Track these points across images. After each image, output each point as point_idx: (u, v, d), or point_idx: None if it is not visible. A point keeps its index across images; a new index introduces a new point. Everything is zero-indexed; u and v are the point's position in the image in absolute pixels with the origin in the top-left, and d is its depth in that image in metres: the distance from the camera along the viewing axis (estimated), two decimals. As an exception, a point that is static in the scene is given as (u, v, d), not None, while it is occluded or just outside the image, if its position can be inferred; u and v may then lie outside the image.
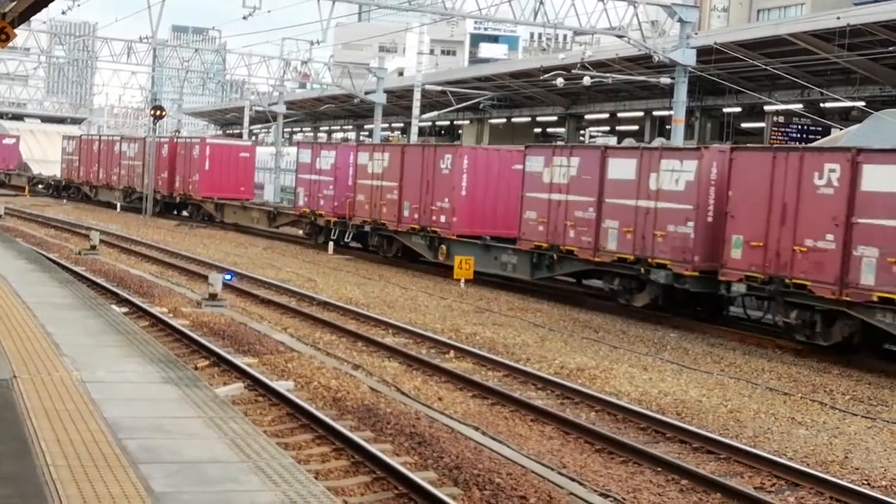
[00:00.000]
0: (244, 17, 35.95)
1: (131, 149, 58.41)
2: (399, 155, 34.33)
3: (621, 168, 25.01)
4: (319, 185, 39.24)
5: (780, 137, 38.33)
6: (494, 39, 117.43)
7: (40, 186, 73.22)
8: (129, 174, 58.56)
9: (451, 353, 18.94)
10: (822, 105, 38.81)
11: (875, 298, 18.72)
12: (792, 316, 20.45)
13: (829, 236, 19.64)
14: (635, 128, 51.99)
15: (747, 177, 21.51)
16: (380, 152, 35.84)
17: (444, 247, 31.73)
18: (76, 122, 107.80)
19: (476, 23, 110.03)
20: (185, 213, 54.25)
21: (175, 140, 56.79)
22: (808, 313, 20.24)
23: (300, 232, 42.33)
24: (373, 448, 11.73)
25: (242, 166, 51.58)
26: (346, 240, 37.49)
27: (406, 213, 33.58)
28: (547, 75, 42.93)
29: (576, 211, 26.31)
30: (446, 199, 31.66)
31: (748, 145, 27.78)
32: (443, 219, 31.73)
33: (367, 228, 35.97)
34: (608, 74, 40.09)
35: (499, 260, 29.51)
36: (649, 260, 23.85)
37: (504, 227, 30.17)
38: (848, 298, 19.22)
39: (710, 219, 22.84)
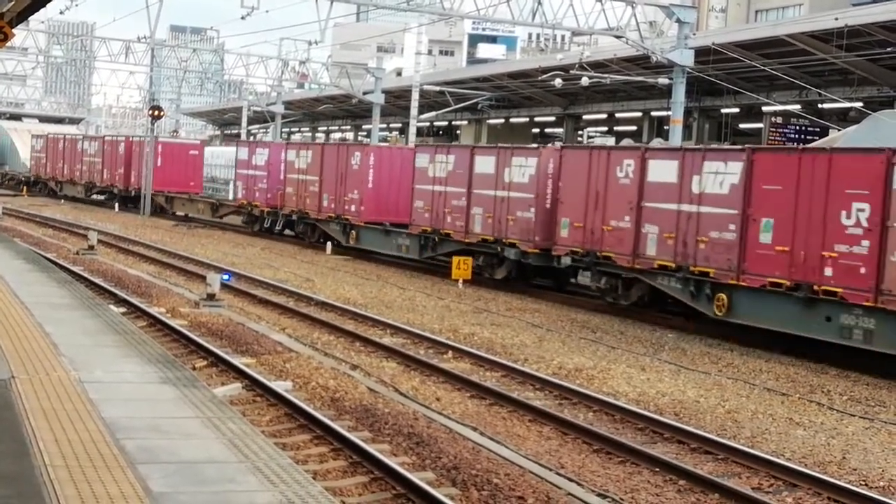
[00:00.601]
0: (242, 18, 35.95)
1: (92, 147, 63.05)
2: (320, 153, 39.29)
3: (484, 164, 30.07)
4: (255, 179, 44.02)
5: (779, 138, 38.37)
6: (493, 40, 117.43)
7: (10, 182, 76.79)
8: (90, 170, 62.99)
9: (450, 353, 18.95)
10: (820, 106, 38.82)
11: (656, 266, 23.52)
12: (602, 282, 25.42)
13: (627, 217, 24.48)
14: (633, 128, 51.99)
15: (572, 171, 26.46)
16: (304, 150, 40.98)
17: (354, 232, 36.75)
18: (74, 121, 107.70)
19: (474, 23, 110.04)
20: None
21: (131, 139, 61.00)
22: (614, 279, 25.20)
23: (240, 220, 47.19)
24: (371, 448, 11.73)
25: (192, 163, 56.64)
26: (277, 228, 42.32)
27: (325, 203, 38.56)
28: (545, 76, 42.95)
29: (452, 200, 31.19)
30: (356, 191, 36.63)
31: (573, 144, 35.00)
32: (353, 208, 36.74)
33: (294, 217, 40.98)
34: (606, 75, 40.10)
35: (395, 242, 34.61)
36: (504, 240, 28.87)
37: (403, 214, 34.33)
38: (639, 266, 24.07)
39: (547, 205, 27.73)
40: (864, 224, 18.91)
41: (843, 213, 19.28)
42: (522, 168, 28.43)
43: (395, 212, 35.05)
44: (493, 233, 29.24)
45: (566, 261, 26.35)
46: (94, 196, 63.33)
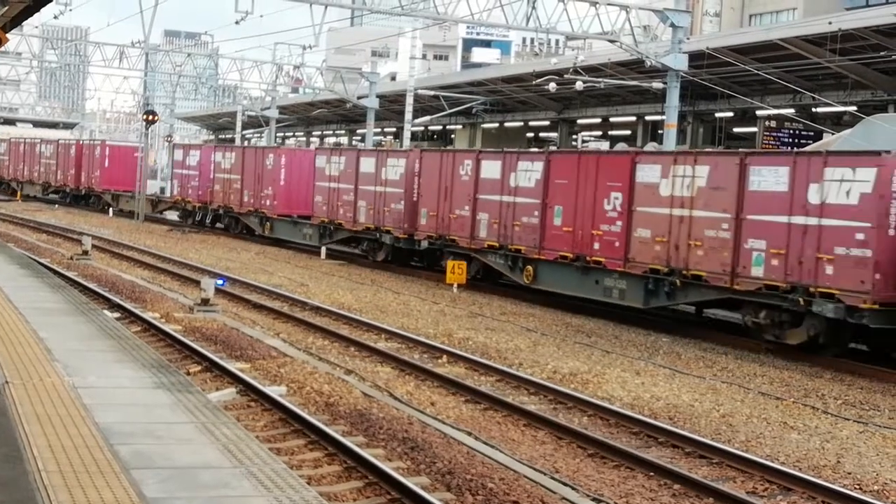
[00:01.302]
0: (236, 22, 35.91)
1: (48, 150, 68.04)
2: (241, 154, 45.47)
3: (367, 164, 35.51)
4: (189, 178, 49.69)
5: (773, 143, 38.44)
6: (487, 44, 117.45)
7: None
8: (46, 171, 67.98)
9: (444, 357, 18.94)
10: (813, 110, 38.88)
11: (486, 246, 28.97)
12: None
13: (466, 207, 29.83)
14: (628, 132, 52.05)
15: (428, 170, 32.00)
16: (230, 152, 46.90)
17: (268, 223, 42.73)
18: (68, 126, 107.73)
19: (468, 27, 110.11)
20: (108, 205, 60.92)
21: (80, 142, 66.39)
22: (459, 259, 30.10)
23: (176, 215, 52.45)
24: (365, 453, 11.72)
25: (136, 164, 59.08)
26: (207, 221, 48.42)
27: (245, 198, 44.38)
28: (539, 80, 42.97)
29: (343, 195, 36.67)
30: (270, 188, 42.43)
31: (432, 148, 42.90)
32: (268, 203, 42.65)
33: (221, 212, 46.91)
34: (600, 79, 40.12)
35: (301, 231, 40.46)
36: (381, 228, 34.35)
37: (308, 208, 39.76)
38: (475, 247, 29.49)
39: (414, 199, 32.70)
40: (619, 209, 24.51)
41: (605, 200, 24.91)
42: (394, 168, 34.11)
43: (305, 206, 40.23)
44: (374, 222, 34.80)
45: (424, 244, 32.00)
46: (51, 195, 68.16)
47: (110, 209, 57.98)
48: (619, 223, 24.46)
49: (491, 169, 29.06)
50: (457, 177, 30.41)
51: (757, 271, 20.88)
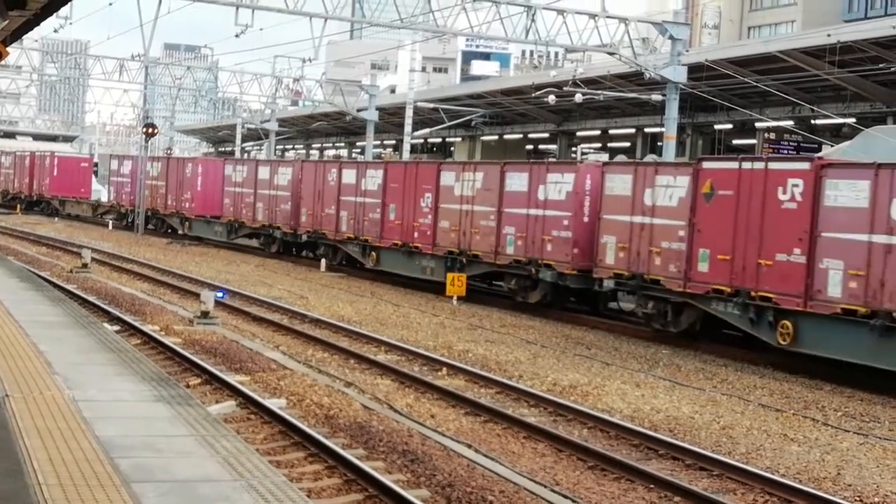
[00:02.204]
0: (236, 35, 35.89)
1: (7, 160, 76.42)
2: (166, 164, 53.13)
3: (264, 172, 43.20)
4: (122, 185, 58.85)
5: (772, 154, 38.47)
6: (486, 57, 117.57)
7: None
8: (6, 180, 76.58)
9: (444, 370, 18.93)
10: (813, 122, 38.94)
11: (346, 238, 36.44)
12: (322, 250, 38.04)
13: (333, 207, 37.06)
14: (627, 144, 52.10)
15: (308, 176, 39.49)
16: (156, 162, 54.78)
17: (187, 223, 50.14)
18: (68, 139, 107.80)
19: (468, 40, 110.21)
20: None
21: (34, 154, 73.03)
22: (329, 249, 38.26)
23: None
24: (365, 466, 11.71)
25: (82, 173, 68.37)
26: (131, 221, 55.71)
27: (169, 202, 51.68)
28: (538, 92, 43.04)
29: (245, 198, 44.29)
30: (189, 193, 49.64)
31: (312, 160, 54.92)
32: (187, 205, 49.89)
33: (149, 214, 54.38)
34: (599, 91, 40.19)
35: (213, 229, 47.88)
36: (273, 225, 41.83)
37: (220, 209, 47.02)
38: (339, 239, 36.84)
39: (298, 201, 39.89)
40: (430, 206, 31.70)
41: (422, 200, 32.12)
42: (284, 175, 41.61)
43: (216, 207, 47.40)
44: (269, 220, 42.43)
45: (304, 237, 39.89)
46: (9, 201, 74.43)
47: (57, 215, 64.81)
48: (429, 217, 31.87)
49: (349, 176, 36.43)
50: (326, 182, 37.77)
51: (510, 250, 28.55)
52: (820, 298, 19.59)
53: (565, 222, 26.67)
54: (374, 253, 34.57)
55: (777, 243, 20.55)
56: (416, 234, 32.33)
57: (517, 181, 28.48)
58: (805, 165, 20.51)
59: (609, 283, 25.10)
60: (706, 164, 23.08)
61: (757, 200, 21.09)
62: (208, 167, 49.44)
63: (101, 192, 73.54)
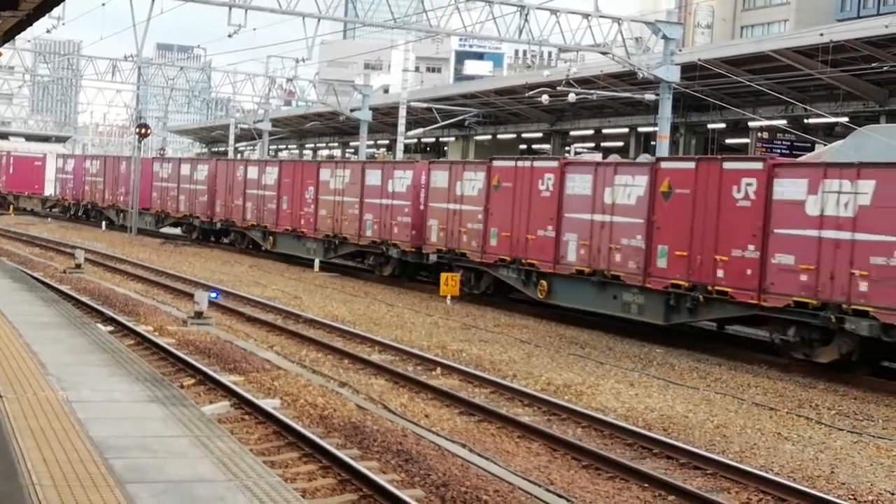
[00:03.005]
0: (229, 36, 35.82)
1: None
2: (103, 162, 60.18)
3: (185, 169, 49.29)
4: (66, 181, 65.46)
5: (766, 154, 38.49)
6: (479, 56, 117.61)
7: None
8: None
9: (438, 370, 18.93)
10: (805, 121, 38.98)
11: (249, 225, 42.84)
12: (232, 236, 44.15)
13: (240, 199, 43.34)
14: (620, 144, 52.12)
15: (222, 172, 45.44)
16: (95, 160, 62.01)
17: (122, 214, 56.67)
18: (61, 140, 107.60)
19: (461, 40, 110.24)
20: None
21: None
22: (238, 235, 45.01)
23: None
24: (360, 466, 11.71)
25: (37, 171, 72.77)
26: (79, 214, 62.87)
27: (107, 196, 58.75)
28: (532, 92, 43.06)
29: (171, 192, 50.48)
30: (123, 188, 56.06)
31: (228, 159, 57.81)
32: (122, 199, 56.76)
33: (89, 206, 61.56)
34: (593, 91, 40.21)
35: (144, 220, 53.62)
36: (193, 215, 48.10)
37: (150, 202, 52.91)
38: (244, 226, 43.02)
39: (214, 194, 45.85)
40: (313, 198, 38.23)
41: (306, 193, 38.61)
42: (202, 171, 47.41)
43: (146, 200, 53.23)
44: (190, 211, 48.57)
45: (218, 225, 45.68)
46: None
47: (12, 210, 69.67)
48: (312, 207, 38.17)
49: (252, 172, 43.14)
50: (235, 178, 44.09)
51: (369, 233, 34.73)
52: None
53: (406, 210, 32.75)
54: (271, 237, 41.28)
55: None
56: (302, 221, 38.92)
57: (373, 177, 34.76)
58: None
59: (433, 257, 31.32)
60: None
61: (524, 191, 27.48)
62: (147, 163, 54.97)
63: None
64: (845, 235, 19.23)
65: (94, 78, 58.12)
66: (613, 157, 30.40)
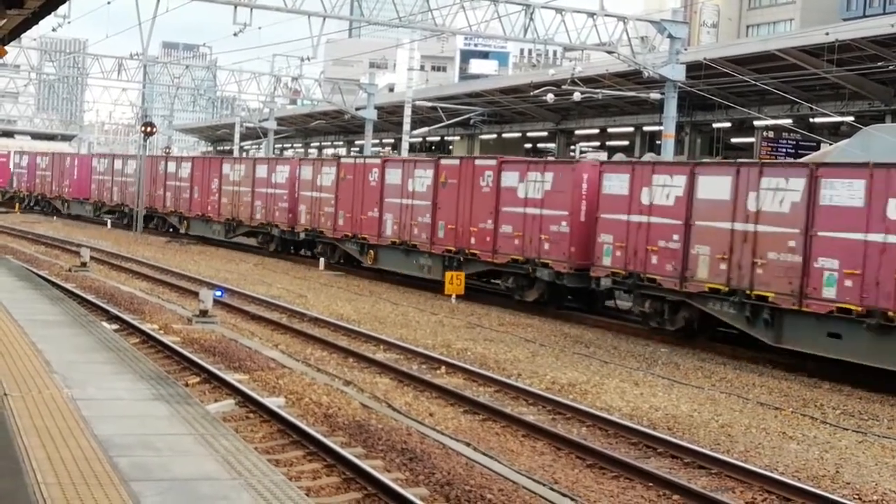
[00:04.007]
0: (235, 34, 35.82)
1: None
2: (51, 158, 67.00)
3: (118, 163, 57.38)
4: (22, 175, 72.80)
5: (771, 153, 38.47)
6: (485, 55, 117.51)
7: None
8: None
9: (443, 368, 18.94)
10: (811, 120, 38.93)
11: (170, 211, 49.94)
12: (173, 220, 49.87)
13: (162, 191, 50.79)
14: (625, 143, 52.09)
15: (149, 167, 51.83)
16: (44, 157, 68.94)
17: (66, 204, 64.07)
18: (66, 138, 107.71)
19: (466, 39, 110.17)
20: None
21: None
22: (180, 219, 50.20)
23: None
24: (364, 464, 11.72)
25: (2, 167, 76.94)
26: (31, 204, 69.64)
27: (54, 188, 66.06)
28: (537, 91, 43.02)
29: (106, 184, 58.15)
30: (68, 181, 63.63)
31: (164, 156, 62.50)
32: (66, 190, 63.97)
33: (39, 197, 68.73)
34: (598, 90, 40.18)
35: (85, 208, 61.52)
36: (124, 203, 55.54)
37: (89, 193, 61.03)
38: (165, 212, 50.47)
39: (147, 185, 52.36)
40: (217, 188, 45.74)
41: (212, 184, 46.16)
42: (132, 165, 54.49)
43: (86, 192, 61.25)
44: (121, 200, 56.44)
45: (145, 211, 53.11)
46: None
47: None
48: (216, 195, 45.97)
49: (171, 166, 50.73)
50: (157, 171, 51.80)
51: (258, 216, 42.48)
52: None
53: (284, 197, 40.76)
54: (186, 222, 49.24)
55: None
56: (209, 208, 46.71)
57: (261, 171, 42.95)
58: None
59: (302, 235, 39.23)
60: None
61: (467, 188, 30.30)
62: (82, 161, 63.82)
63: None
64: (536, 211, 27.15)
65: (100, 76, 58.15)
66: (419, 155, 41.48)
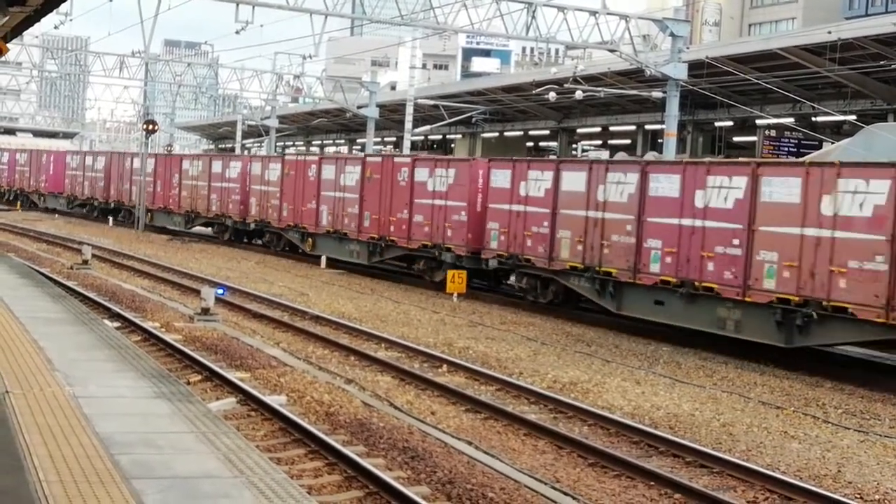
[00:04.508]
0: (237, 32, 35.83)
1: None
2: (29, 155, 70.78)
3: (89, 160, 61.69)
4: (2, 171, 75.65)
5: (773, 152, 38.46)
6: (486, 54, 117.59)
7: None
8: None
9: (444, 367, 18.93)
10: (813, 119, 38.91)
11: (126, 203, 55.49)
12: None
13: (127, 184, 54.97)
14: (627, 141, 52.07)
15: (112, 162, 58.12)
16: (23, 153, 72.66)
17: (42, 198, 67.99)
18: (68, 136, 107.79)
19: (468, 37, 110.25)
20: None
21: None
22: (119, 211, 57.02)
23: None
24: (366, 463, 11.71)
25: None
26: (11, 199, 72.26)
27: (32, 182, 69.58)
28: (539, 89, 43.02)
29: (78, 178, 62.33)
30: (44, 175, 67.39)
31: (120, 150, 72.67)
32: (43, 184, 67.61)
33: (19, 192, 71.59)
34: (600, 88, 40.16)
35: (58, 201, 65.12)
36: (94, 196, 59.92)
37: (63, 187, 64.83)
38: (122, 203, 56.36)
39: (108, 179, 58.14)
40: (178, 182, 49.30)
41: (173, 179, 49.77)
42: (99, 161, 59.61)
43: (60, 186, 65.07)
44: (91, 194, 60.39)
45: (112, 205, 56.82)
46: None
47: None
48: (176, 190, 49.48)
49: (136, 163, 53.51)
50: (124, 167, 55.90)
51: (213, 208, 46.06)
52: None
53: (237, 191, 44.33)
54: (149, 213, 52.96)
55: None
56: (171, 201, 50.21)
57: (216, 167, 46.47)
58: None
59: (252, 225, 43.19)
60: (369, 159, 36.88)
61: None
62: (57, 157, 67.78)
63: None
64: (442, 203, 30.72)
65: (102, 74, 58.18)
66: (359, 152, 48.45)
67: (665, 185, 23.10)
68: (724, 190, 21.52)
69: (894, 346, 20.26)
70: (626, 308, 24.24)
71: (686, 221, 22.43)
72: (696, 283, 22.00)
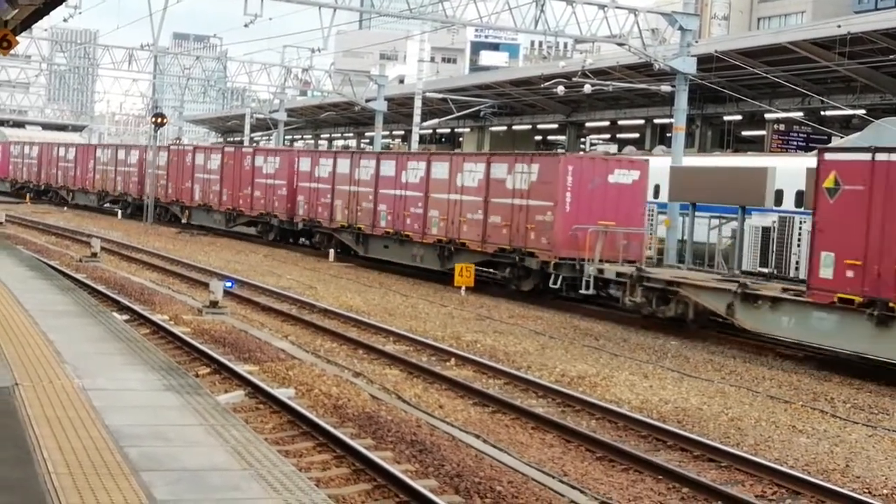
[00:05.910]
0: (245, 25, 35.88)
1: None
2: (21, 147, 75.30)
3: (62, 151, 66.87)
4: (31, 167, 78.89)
5: (782, 146, 38.39)
6: (495, 47, 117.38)
7: None
8: None
9: (452, 360, 18.95)
10: (822, 113, 38.84)
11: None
12: (90, 198, 62.83)
13: (91, 174, 62.57)
14: (636, 135, 52.01)
15: (82, 154, 65.14)
16: (17, 145, 77.16)
17: (28, 195, 70.28)
18: (77, 129, 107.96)
19: (477, 31, 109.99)
20: None
21: None
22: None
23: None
24: (374, 456, 11.73)
25: None
26: (31, 195, 74.50)
27: (24, 175, 74.02)
28: (547, 83, 42.99)
29: (59, 168, 67.36)
30: (32, 168, 72.35)
31: (105, 143, 78.87)
32: (26, 177, 72.97)
33: (14, 181, 76.23)
34: (609, 82, 40.13)
35: (90, 197, 64.14)
36: (68, 186, 66.13)
37: (47, 179, 70.74)
38: (116, 194, 60.58)
39: (81, 170, 64.19)
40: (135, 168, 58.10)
41: (123, 169, 59.30)
42: (70, 152, 65.73)
43: (52, 178, 69.17)
44: (64, 182, 65.83)
45: (94, 197, 62.30)
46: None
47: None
48: (136, 180, 56.40)
49: (62, 151, 64.60)
50: (115, 160, 59.35)
51: (119, 189, 57.30)
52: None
53: (216, 187, 47.48)
54: (71, 193, 62.93)
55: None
56: (125, 188, 57.86)
57: (202, 158, 49.77)
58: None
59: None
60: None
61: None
62: (45, 148, 71.56)
63: None
64: (326, 187, 38.25)
65: (111, 67, 58.22)
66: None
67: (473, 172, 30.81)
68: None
69: (488, 265, 30.24)
70: (370, 251, 35.43)
71: (454, 196, 31.27)
72: (402, 233, 33.12)
